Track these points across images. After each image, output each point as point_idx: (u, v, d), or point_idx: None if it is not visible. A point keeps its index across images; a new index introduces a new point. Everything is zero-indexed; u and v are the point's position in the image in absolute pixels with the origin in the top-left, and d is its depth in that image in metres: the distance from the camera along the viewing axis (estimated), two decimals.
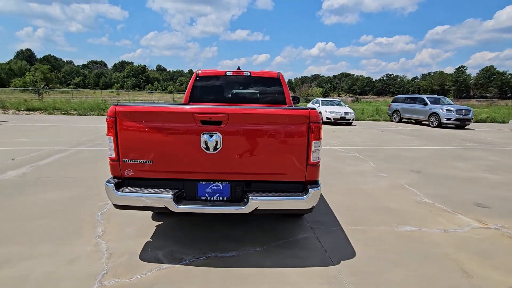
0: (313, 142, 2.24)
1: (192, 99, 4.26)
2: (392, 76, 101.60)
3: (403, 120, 16.51)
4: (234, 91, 4.38)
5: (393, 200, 3.99)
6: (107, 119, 2.24)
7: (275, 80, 4.32)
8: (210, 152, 2.22)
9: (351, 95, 78.32)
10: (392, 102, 17.08)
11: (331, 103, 15.33)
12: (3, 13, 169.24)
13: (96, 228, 2.98)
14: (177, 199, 2.25)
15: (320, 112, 14.13)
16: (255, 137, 2.25)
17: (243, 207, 2.22)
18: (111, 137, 2.24)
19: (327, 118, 13.83)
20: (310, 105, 16.74)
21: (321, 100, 15.41)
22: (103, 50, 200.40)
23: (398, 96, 17.39)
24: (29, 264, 2.32)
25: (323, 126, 13.63)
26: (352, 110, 14.41)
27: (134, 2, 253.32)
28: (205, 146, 2.20)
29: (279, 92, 4.30)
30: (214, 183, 2.36)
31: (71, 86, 66.39)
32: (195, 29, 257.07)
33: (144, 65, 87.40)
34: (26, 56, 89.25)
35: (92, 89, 63.94)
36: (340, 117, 13.73)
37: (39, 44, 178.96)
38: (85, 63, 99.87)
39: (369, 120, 18.15)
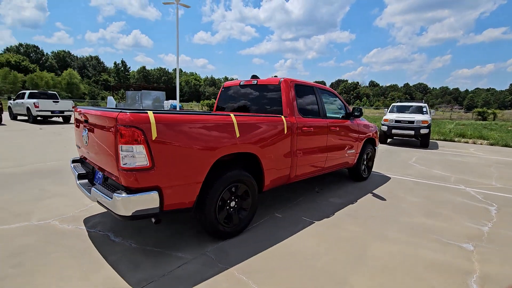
0: (120, 145, 2.18)
1: (217, 109, 4.69)
2: None
3: None
4: (239, 99, 4.31)
5: None
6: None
7: (276, 88, 3.79)
8: (85, 145, 2.78)
9: None
10: None
11: None
12: (270, 51, 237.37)
13: None
14: (80, 178, 2.99)
15: None
16: (97, 136, 2.53)
17: (90, 195, 2.59)
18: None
19: None
20: None
21: None
22: (328, 71, 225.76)
23: None
24: (58, 200, 3.96)
25: None
26: None
27: (362, 23, 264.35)
28: (84, 139, 2.80)
29: (277, 100, 3.74)
30: (99, 172, 2.87)
31: None
32: (424, 38, 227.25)
33: (357, 82, 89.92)
34: None
35: None
36: None
37: (286, 71, 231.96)
38: None
39: None
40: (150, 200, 2.30)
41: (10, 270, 2.33)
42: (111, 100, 30.00)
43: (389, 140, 12.14)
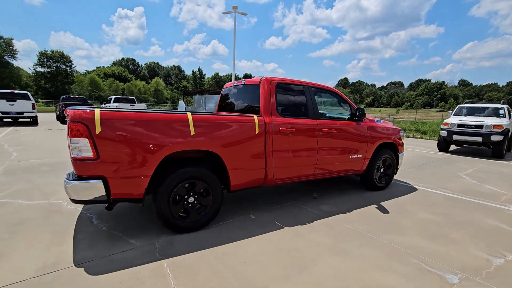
0: (69, 138, 2.51)
1: (219, 108, 4.84)
2: None
3: None
4: (233, 99, 4.34)
5: None
6: None
7: (257, 87, 3.71)
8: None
9: None
10: None
11: None
12: (341, 52, 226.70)
13: None
14: None
15: None
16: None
17: None
18: None
19: None
20: None
21: None
22: (408, 70, 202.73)
23: None
24: None
25: None
26: None
27: (453, 14, 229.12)
28: None
29: (257, 99, 3.66)
30: None
31: (362, 105, 76.18)
32: None
33: (443, 82, 78.09)
34: (343, 83, 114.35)
35: (379, 108, 68.67)
36: None
37: (359, 72, 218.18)
38: (384, 84, 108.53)
39: None
40: (95, 188, 2.58)
41: (5, 235, 2.93)
42: (181, 104, 33.50)
43: (456, 147, 10.29)
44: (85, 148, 2.51)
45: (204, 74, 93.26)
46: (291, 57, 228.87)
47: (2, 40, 49.74)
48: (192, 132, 2.94)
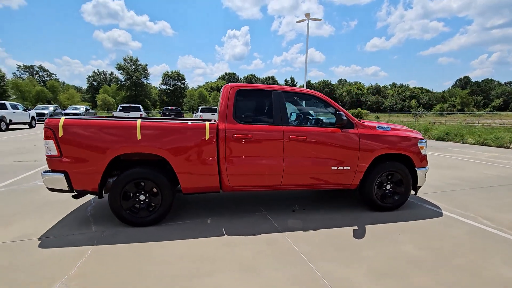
0: (44, 140, 3.23)
1: None
2: None
3: None
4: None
5: None
6: None
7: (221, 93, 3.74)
8: None
9: None
10: None
11: None
12: (464, 47, 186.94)
13: None
14: None
15: None
16: None
17: None
18: None
19: None
20: None
21: None
22: None
23: None
24: None
25: None
26: None
27: None
28: None
29: (219, 105, 3.70)
30: None
31: (487, 109, 60.28)
32: None
33: None
34: (463, 83, 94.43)
35: None
36: None
37: (489, 69, 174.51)
38: None
39: None
40: (59, 180, 3.22)
41: (33, 209, 3.95)
42: None
43: None
44: (52, 148, 3.19)
45: (296, 83, 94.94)
46: (396, 58, 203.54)
47: (140, 66, 64.43)
48: (139, 137, 3.28)
